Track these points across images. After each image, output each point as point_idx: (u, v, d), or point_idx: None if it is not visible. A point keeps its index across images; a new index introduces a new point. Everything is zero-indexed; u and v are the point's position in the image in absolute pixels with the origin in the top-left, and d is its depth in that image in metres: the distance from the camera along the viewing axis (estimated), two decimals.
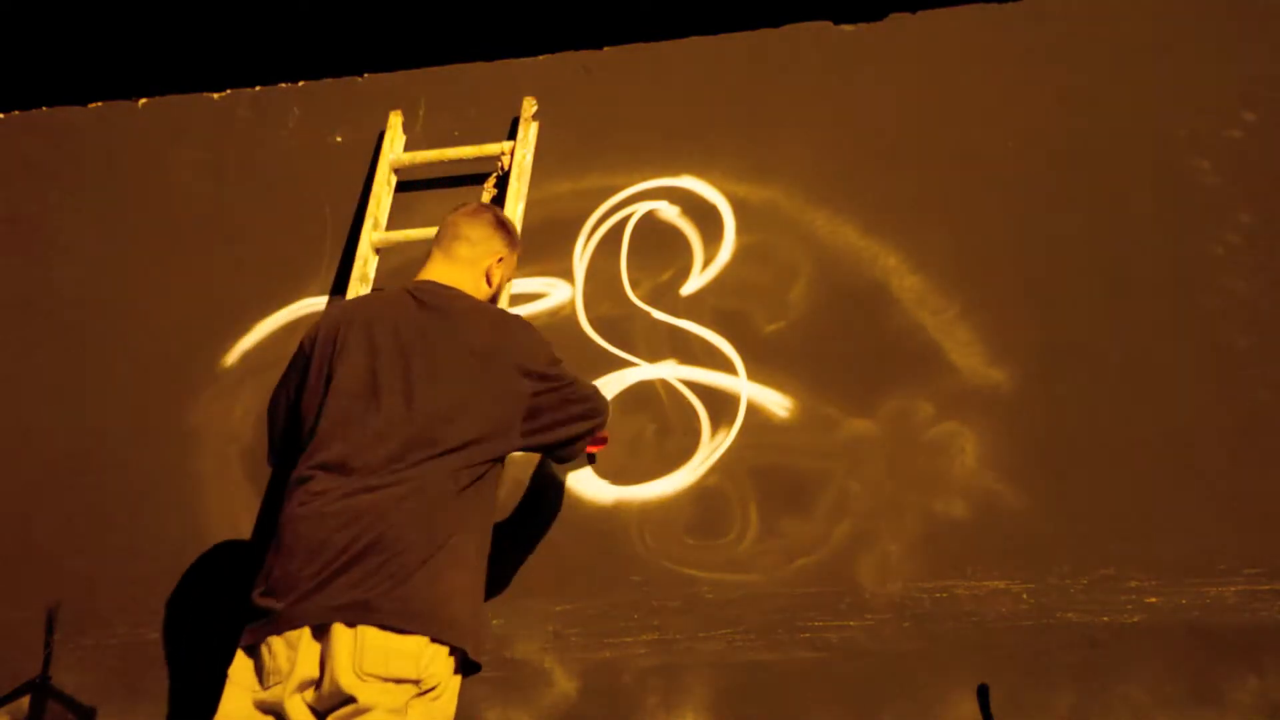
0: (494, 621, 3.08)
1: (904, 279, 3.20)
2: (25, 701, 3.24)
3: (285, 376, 2.48)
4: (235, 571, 3.14)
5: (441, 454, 2.23)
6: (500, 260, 2.58)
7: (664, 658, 3.02)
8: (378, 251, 3.28)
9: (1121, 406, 3.04)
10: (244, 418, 3.34)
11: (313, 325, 2.49)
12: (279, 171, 3.51)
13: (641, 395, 3.20)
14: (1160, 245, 3.13)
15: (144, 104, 3.64)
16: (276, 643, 2.14)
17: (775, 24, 3.41)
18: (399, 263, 3.34)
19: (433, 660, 2.14)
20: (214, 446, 3.34)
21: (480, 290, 2.56)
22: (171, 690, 3.15)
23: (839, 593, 3.02)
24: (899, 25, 3.36)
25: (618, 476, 3.16)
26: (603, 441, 2.94)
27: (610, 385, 3.22)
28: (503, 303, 3.02)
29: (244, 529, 3.24)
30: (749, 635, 3.02)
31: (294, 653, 2.12)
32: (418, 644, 2.12)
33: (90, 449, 3.39)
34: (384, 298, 2.50)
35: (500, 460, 2.36)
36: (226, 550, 3.22)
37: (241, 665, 2.20)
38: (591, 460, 3.08)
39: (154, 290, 3.47)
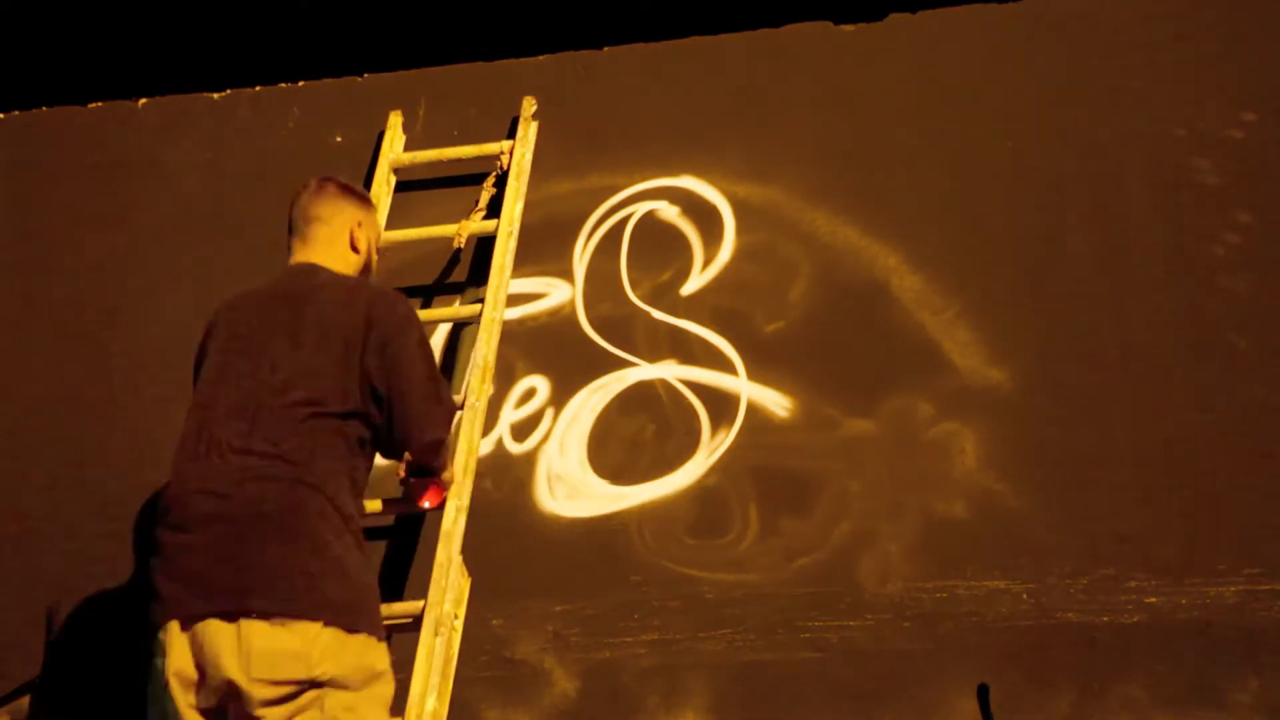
0: (494, 621, 3.08)
1: (904, 279, 3.20)
2: (25, 701, 3.24)
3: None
4: None
5: (301, 418, 2.22)
6: (360, 224, 2.52)
7: (664, 658, 3.02)
8: (378, 252, 3.28)
9: (1121, 406, 3.04)
10: None
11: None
12: (279, 171, 3.50)
13: (641, 395, 3.20)
14: (1160, 245, 3.13)
15: (144, 104, 3.64)
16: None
17: (775, 24, 3.41)
18: (399, 262, 3.34)
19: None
20: None
21: (349, 262, 2.51)
22: None
23: (839, 593, 3.01)
24: (899, 25, 3.36)
25: (618, 476, 3.16)
26: (440, 488, 2.65)
27: (610, 385, 3.22)
28: (493, 307, 3.02)
29: None
30: (749, 635, 3.02)
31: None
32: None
33: (90, 449, 3.38)
34: (249, 294, 2.47)
35: (360, 420, 2.30)
36: None
37: None
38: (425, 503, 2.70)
39: (154, 290, 3.47)
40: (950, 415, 3.09)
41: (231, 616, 2.06)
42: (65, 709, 3.23)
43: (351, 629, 2.13)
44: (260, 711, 2.05)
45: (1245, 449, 2.98)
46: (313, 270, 2.44)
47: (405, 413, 2.32)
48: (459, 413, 2.93)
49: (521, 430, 3.21)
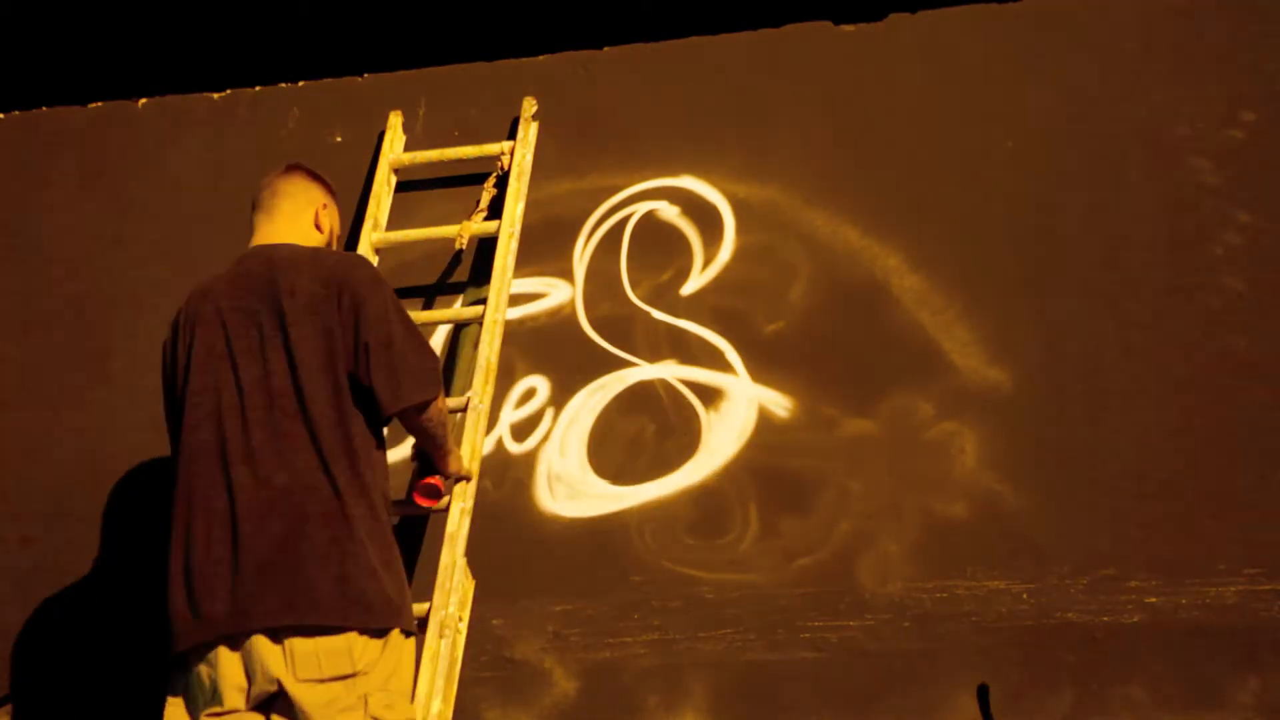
0: (494, 621, 3.08)
1: (904, 279, 3.20)
2: (25, 702, 3.23)
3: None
4: None
5: (306, 414, 2.23)
6: (325, 206, 2.54)
7: (664, 658, 3.02)
8: (378, 251, 3.28)
9: (1121, 406, 3.04)
10: None
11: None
12: None
13: (641, 395, 3.20)
14: (1160, 245, 3.13)
15: (144, 104, 3.64)
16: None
17: (775, 24, 3.41)
18: (399, 262, 3.34)
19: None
20: None
21: (312, 238, 2.50)
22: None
23: (839, 593, 3.02)
24: (899, 25, 3.35)
25: (618, 476, 3.16)
26: (434, 495, 2.65)
27: (610, 385, 3.22)
28: (495, 308, 3.02)
29: None
30: (749, 635, 3.02)
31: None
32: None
33: (90, 449, 3.38)
34: (217, 283, 2.43)
35: (369, 397, 2.28)
36: None
37: None
38: (433, 499, 2.70)
39: (154, 290, 3.47)
40: (950, 415, 3.09)
41: (276, 635, 2.13)
42: (65, 709, 3.23)
43: (387, 629, 2.21)
44: (305, 703, 2.11)
45: (1245, 449, 2.98)
46: (277, 248, 2.41)
47: (387, 374, 2.28)
48: (462, 414, 2.93)
49: (521, 430, 3.21)
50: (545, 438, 3.20)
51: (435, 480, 2.65)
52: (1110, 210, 3.17)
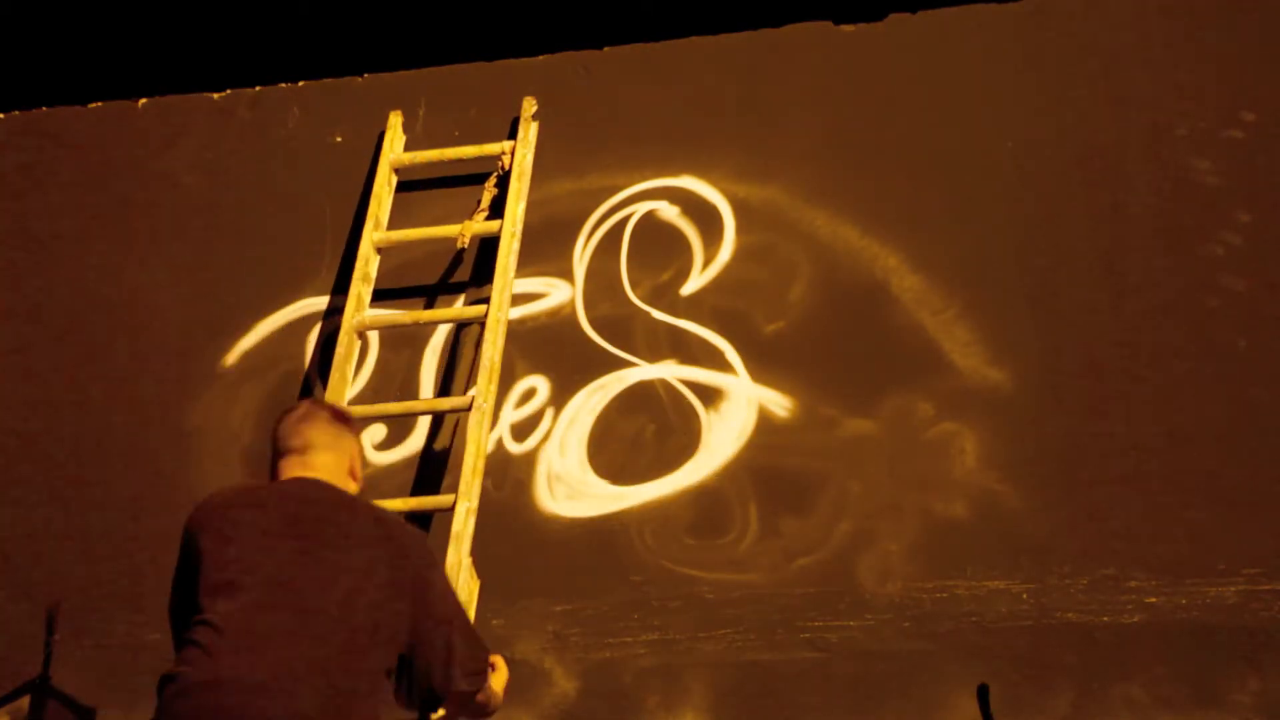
0: (494, 622, 3.08)
1: (904, 279, 3.20)
2: (25, 701, 3.24)
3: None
4: None
5: (346, 651, 2.02)
6: (358, 456, 2.35)
7: (664, 658, 3.02)
8: (379, 251, 3.29)
9: (1121, 406, 3.04)
10: (244, 418, 3.34)
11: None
12: (279, 171, 3.50)
13: (641, 395, 3.20)
14: (1160, 245, 3.13)
15: (144, 104, 3.64)
16: None
17: (775, 24, 3.41)
18: (399, 262, 3.34)
19: None
20: (214, 447, 3.33)
21: (350, 490, 2.30)
22: None
23: (839, 593, 3.02)
24: (899, 25, 3.36)
25: (618, 476, 3.16)
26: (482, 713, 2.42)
27: (610, 385, 3.22)
28: (498, 308, 3.02)
29: None
30: (749, 635, 3.02)
31: None
32: None
33: (91, 449, 3.39)
34: (250, 493, 2.26)
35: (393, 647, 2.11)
36: None
37: None
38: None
39: (154, 290, 3.47)
40: (950, 415, 3.09)
41: None
42: (65, 709, 3.23)
43: None
44: None
45: (1245, 449, 2.98)
46: (327, 485, 2.23)
47: (449, 651, 2.15)
48: (466, 412, 2.94)
49: (521, 430, 3.21)
50: (545, 438, 3.20)
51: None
52: (1110, 210, 3.17)
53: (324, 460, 2.27)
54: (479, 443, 2.85)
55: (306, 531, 2.11)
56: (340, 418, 2.37)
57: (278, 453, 2.29)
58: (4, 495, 3.41)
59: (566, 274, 3.32)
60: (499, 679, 2.36)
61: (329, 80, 3.59)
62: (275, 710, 1.92)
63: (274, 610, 2.01)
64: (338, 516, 2.15)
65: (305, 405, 2.37)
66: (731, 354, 3.20)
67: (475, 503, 2.77)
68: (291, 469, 2.26)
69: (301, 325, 3.37)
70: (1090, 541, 2.97)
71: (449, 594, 2.24)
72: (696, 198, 3.32)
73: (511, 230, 3.17)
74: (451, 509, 2.76)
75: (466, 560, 2.71)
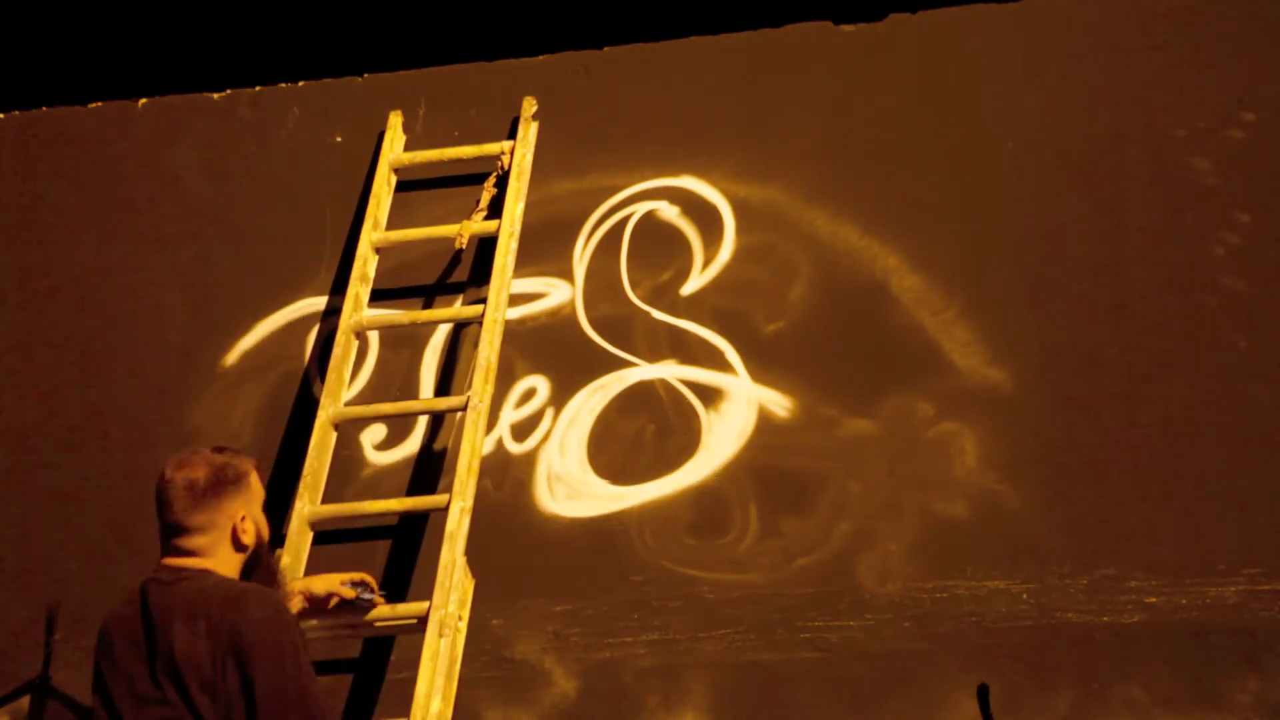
0: (493, 621, 3.08)
1: (904, 279, 3.20)
2: (25, 701, 3.24)
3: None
4: None
5: None
6: (243, 517, 2.15)
7: (664, 658, 3.03)
8: (378, 251, 3.29)
9: (1121, 406, 3.04)
10: (244, 418, 3.34)
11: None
12: (279, 171, 3.50)
13: (641, 395, 3.20)
14: (1160, 245, 3.13)
15: (144, 104, 3.64)
16: None
17: (775, 24, 3.41)
18: (398, 262, 3.35)
19: None
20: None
21: (233, 562, 2.16)
22: None
23: (839, 593, 3.02)
24: (899, 25, 3.36)
25: (618, 476, 3.16)
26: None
27: (610, 385, 3.22)
28: (495, 308, 3.02)
29: None
30: (749, 635, 3.02)
31: None
32: None
33: (91, 449, 3.39)
34: (124, 609, 2.23)
35: None
36: None
37: None
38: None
39: (154, 290, 3.47)
40: (950, 415, 3.09)
41: None
42: (65, 709, 3.23)
43: None
44: None
45: (1245, 449, 2.98)
46: (175, 582, 2.12)
47: None
48: (462, 413, 2.94)
49: (521, 430, 3.21)
50: (545, 438, 3.20)
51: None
52: (1110, 210, 3.17)
53: (197, 543, 2.13)
54: (474, 442, 2.85)
55: (147, 654, 2.12)
56: (218, 480, 2.14)
57: (160, 523, 2.17)
58: (4, 495, 3.41)
59: (566, 274, 3.32)
60: None
61: (329, 80, 3.58)
62: None
63: None
64: (171, 630, 2.07)
65: (176, 471, 2.13)
66: (731, 354, 3.20)
67: (470, 502, 2.77)
68: (167, 552, 2.15)
69: (302, 325, 3.37)
70: (1090, 541, 2.97)
71: (282, 688, 2.01)
72: (696, 198, 3.32)
73: (510, 230, 3.17)
74: (446, 508, 2.76)
75: (461, 559, 2.71)
